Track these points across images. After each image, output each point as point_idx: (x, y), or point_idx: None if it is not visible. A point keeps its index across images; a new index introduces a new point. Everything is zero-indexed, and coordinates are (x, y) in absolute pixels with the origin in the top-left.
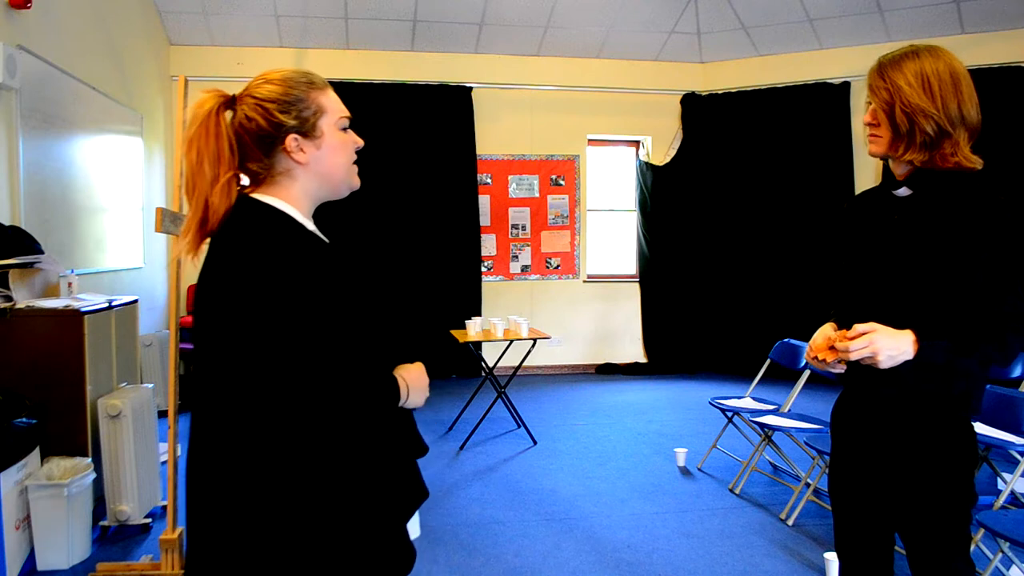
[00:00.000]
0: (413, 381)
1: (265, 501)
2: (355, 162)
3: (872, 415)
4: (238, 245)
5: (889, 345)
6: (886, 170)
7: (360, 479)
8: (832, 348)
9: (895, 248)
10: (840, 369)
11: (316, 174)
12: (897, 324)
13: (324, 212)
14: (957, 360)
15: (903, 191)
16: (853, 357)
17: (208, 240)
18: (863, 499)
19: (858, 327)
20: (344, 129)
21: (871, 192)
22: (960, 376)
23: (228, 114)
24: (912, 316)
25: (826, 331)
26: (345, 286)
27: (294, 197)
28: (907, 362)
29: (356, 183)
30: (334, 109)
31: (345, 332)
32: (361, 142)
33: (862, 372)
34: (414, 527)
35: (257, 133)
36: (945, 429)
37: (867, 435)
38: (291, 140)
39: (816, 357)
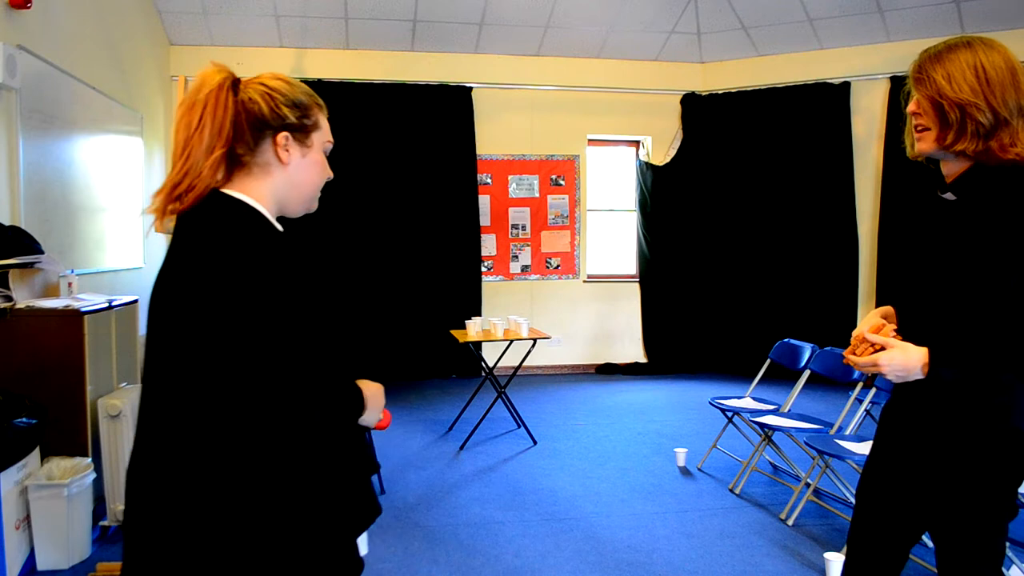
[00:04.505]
0: (371, 398)
1: (223, 506)
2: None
3: (916, 420)
4: (214, 242)
5: (898, 365)
6: (936, 171)
7: (318, 488)
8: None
9: (935, 257)
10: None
11: (290, 179)
12: (926, 336)
13: (325, 212)
14: (975, 383)
15: (949, 195)
16: (862, 371)
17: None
18: (893, 503)
19: (874, 336)
20: (326, 154)
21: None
22: (998, 389)
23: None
24: (942, 331)
25: (861, 328)
26: (312, 290)
27: (263, 194)
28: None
29: (314, 207)
30: (326, 131)
31: (314, 337)
32: (332, 175)
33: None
34: (363, 544)
35: (257, 117)
36: (987, 438)
37: (909, 439)
38: (283, 136)
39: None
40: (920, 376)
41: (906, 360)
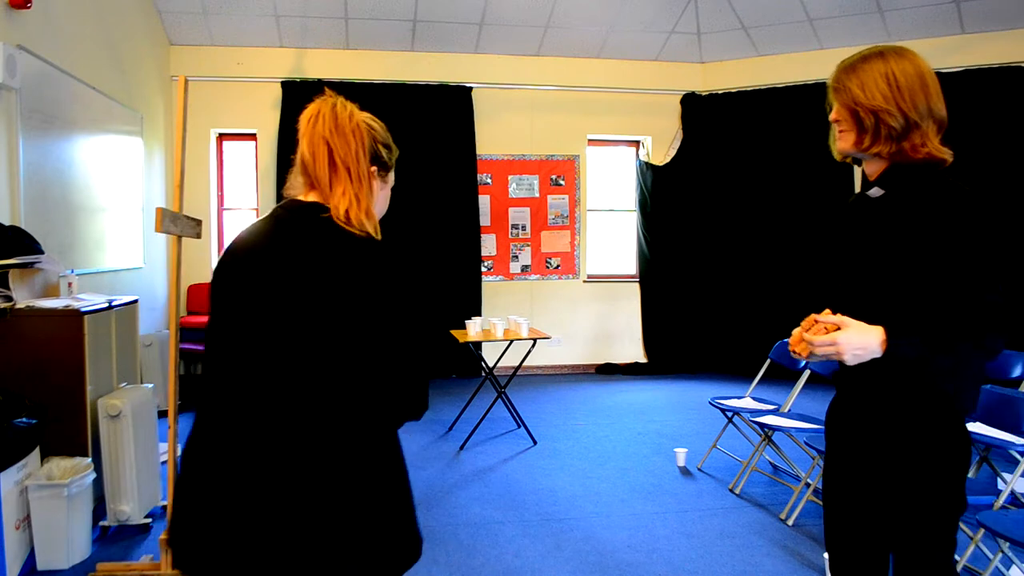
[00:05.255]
0: None
1: (371, 468)
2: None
3: (861, 417)
4: (393, 253)
5: (855, 342)
6: (863, 173)
7: (403, 466)
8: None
9: (869, 250)
10: (816, 360)
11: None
12: (874, 324)
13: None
14: (933, 357)
15: (875, 191)
16: (818, 352)
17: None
18: (854, 503)
19: (828, 317)
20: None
21: (859, 194)
22: (944, 375)
23: None
24: (888, 317)
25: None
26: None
27: None
28: (879, 360)
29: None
30: (393, 176)
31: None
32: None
33: (850, 373)
34: None
35: (367, 148)
36: (933, 431)
37: (857, 437)
38: (376, 169)
39: (795, 350)
40: (878, 354)
41: (864, 338)
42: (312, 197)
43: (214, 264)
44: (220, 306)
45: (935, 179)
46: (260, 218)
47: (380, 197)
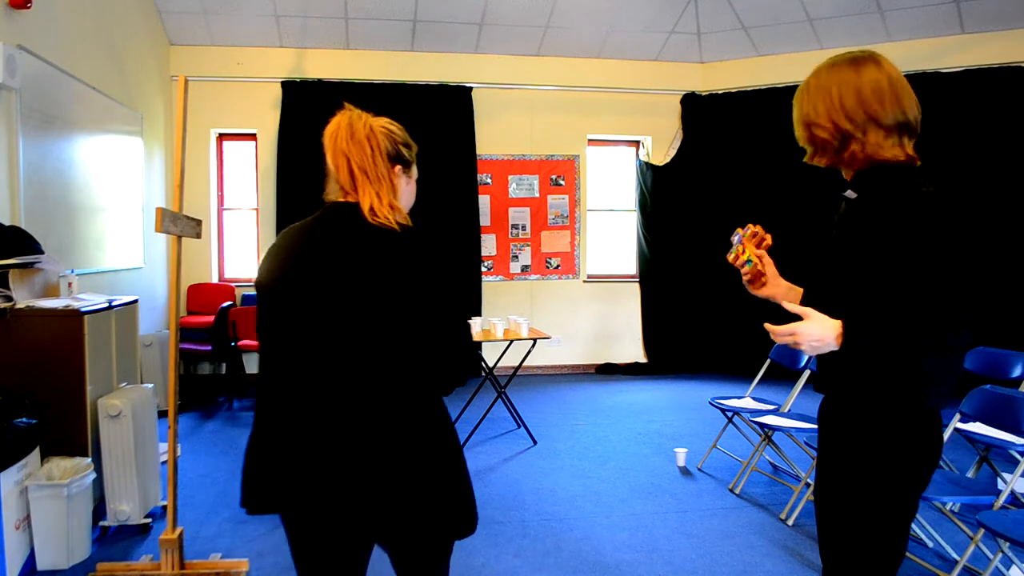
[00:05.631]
0: None
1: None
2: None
3: (833, 415)
4: (421, 238)
5: (815, 333)
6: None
7: (452, 430)
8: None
9: (841, 249)
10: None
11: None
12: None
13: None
14: (890, 352)
15: (851, 193)
16: (778, 342)
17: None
18: (824, 501)
19: (793, 306)
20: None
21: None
22: (906, 372)
23: None
24: (852, 315)
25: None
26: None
27: None
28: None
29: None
30: (415, 167)
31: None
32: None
33: (823, 372)
34: None
35: (388, 153)
36: (889, 428)
37: (829, 435)
38: (399, 168)
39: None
40: (834, 347)
41: (822, 330)
42: (350, 199)
43: (214, 264)
44: (273, 295)
45: (901, 181)
46: (307, 218)
47: (405, 191)
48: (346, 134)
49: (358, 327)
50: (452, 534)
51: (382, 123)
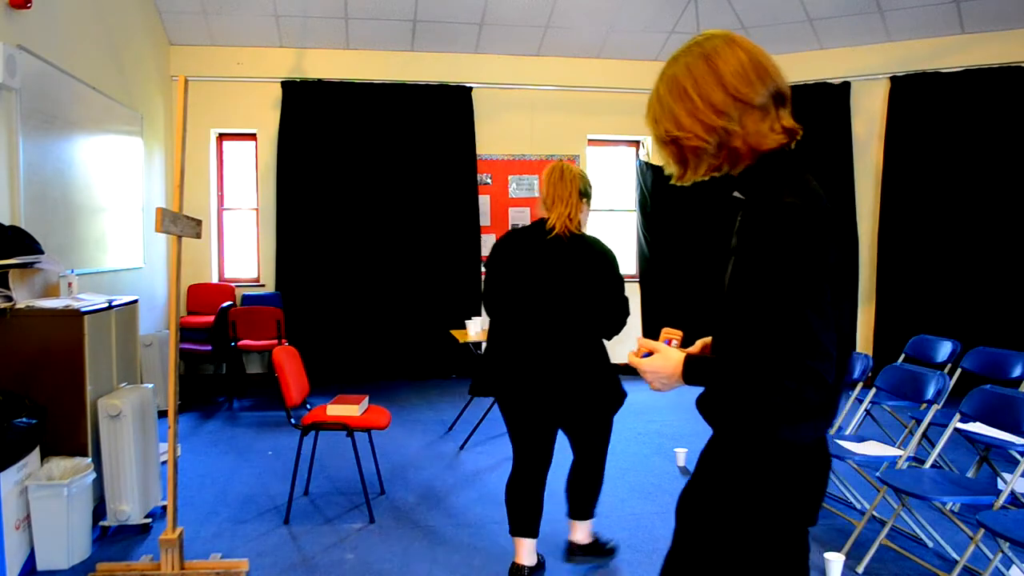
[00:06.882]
0: None
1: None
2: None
3: (706, 450)
4: (602, 246)
5: (659, 371)
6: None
7: (608, 357)
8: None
9: (730, 267)
10: None
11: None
12: (716, 350)
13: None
14: (724, 389)
15: (738, 194)
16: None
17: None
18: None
19: (646, 340)
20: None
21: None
22: (753, 409)
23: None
24: (720, 340)
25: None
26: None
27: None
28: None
29: None
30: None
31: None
32: None
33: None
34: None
35: (580, 191)
36: (756, 456)
37: (699, 469)
38: (584, 201)
39: None
40: (680, 383)
41: (664, 366)
42: (549, 215)
43: (214, 264)
44: (500, 272)
45: (772, 185)
46: (526, 224)
47: (584, 213)
48: (557, 176)
49: (554, 291)
50: (610, 411)
51: (579, 172)
